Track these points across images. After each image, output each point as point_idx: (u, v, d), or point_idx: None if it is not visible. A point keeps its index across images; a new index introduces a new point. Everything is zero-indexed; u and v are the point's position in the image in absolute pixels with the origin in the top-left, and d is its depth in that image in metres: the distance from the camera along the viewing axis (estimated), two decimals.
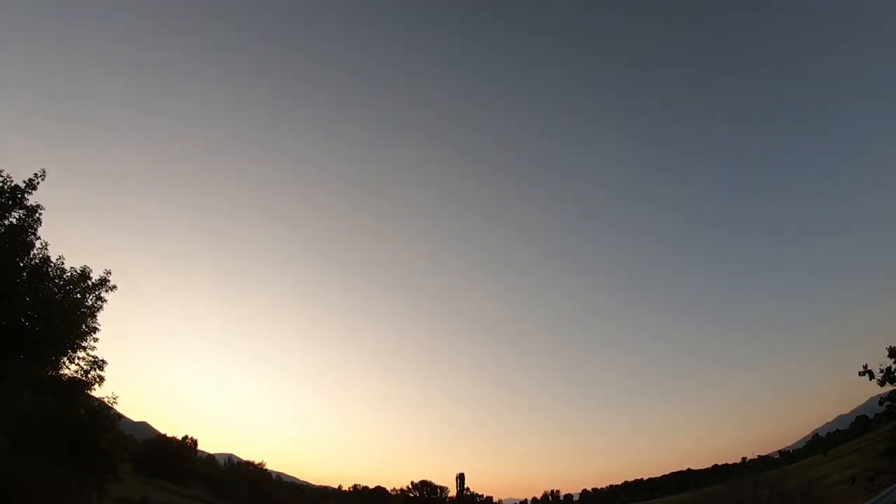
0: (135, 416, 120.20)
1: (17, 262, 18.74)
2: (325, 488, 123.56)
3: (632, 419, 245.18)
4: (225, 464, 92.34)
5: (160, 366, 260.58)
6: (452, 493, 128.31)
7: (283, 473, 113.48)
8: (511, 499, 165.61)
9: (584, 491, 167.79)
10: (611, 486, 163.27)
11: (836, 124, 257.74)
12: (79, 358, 20.27)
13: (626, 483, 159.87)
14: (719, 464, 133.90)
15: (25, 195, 18.77)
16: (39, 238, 19.23)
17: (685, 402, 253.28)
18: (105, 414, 21.11)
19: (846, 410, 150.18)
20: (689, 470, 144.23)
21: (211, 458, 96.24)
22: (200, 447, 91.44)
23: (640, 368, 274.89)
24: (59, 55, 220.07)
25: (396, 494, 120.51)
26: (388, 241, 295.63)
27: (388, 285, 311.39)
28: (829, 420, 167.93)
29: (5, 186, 18.43)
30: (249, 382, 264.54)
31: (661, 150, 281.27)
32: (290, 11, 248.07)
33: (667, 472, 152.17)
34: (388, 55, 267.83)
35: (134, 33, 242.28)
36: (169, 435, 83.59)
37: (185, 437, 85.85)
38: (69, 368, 20.24)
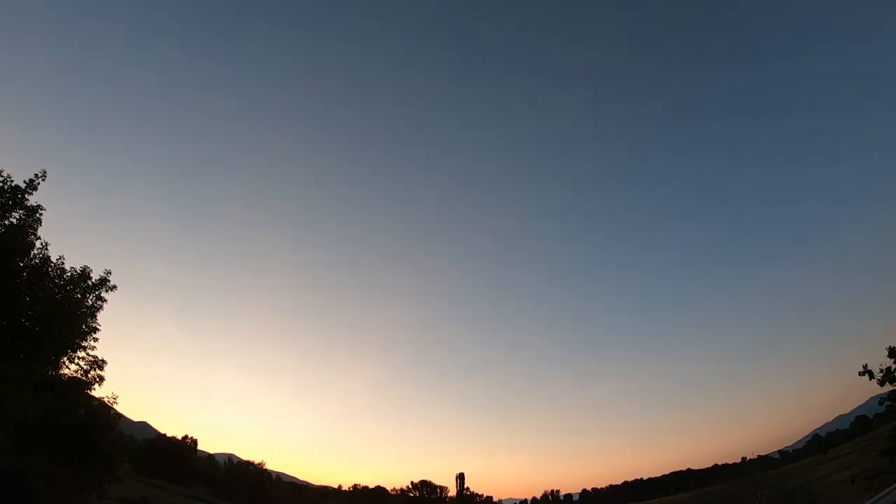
0: (135, 416, 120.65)
1: (18, 262, 18.71)
2: (325, 488, 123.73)
3: (632, 419, 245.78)
4: (225, 464, 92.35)
5: (161, 366, 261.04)
6: (452, 493, 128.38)
7: (283, 473, 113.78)
8: (511, 499, 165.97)
9: (584, 491, 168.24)
10: (611, 486, 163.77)
11: (838, 124, 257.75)
12: (79, 358, 20.25)
13: (626, 483, 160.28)
14: (719, 464, 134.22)
15: (26, 195, 18.73)
16: (39, 238, 19.20)
17: (685, 402, 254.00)
18: (105, 414, 21.07)
19: (846, 410, 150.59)
20: (689, 470, 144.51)
21: (211, 458, 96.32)
22: (200, 447, 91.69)
23: (639, 369, 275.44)
24: (60, 55, 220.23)
25: (396, 494, 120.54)
26: (388, 241, 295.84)
27: (389, 285, 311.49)
28: (829, 420, 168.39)
29: (5, 186, 18.40)
30: (250, 382, 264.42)
31: (658, 152, 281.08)
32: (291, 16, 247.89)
33: (667, 472, 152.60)
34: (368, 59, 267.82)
35: (135, 32, 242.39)
36: (169, 435, 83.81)
37: (185, 437, 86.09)
38: (69, 368, 20.22)
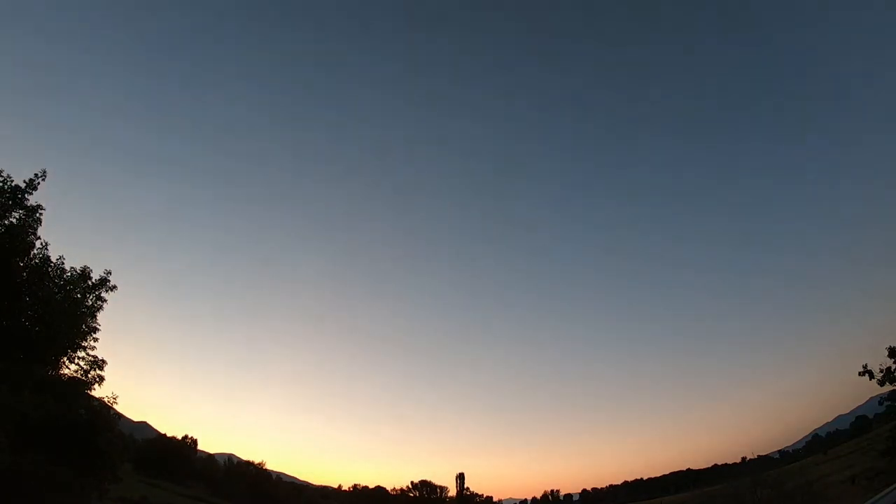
0: (135, 416, 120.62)
1: (18, 262, 18.72)
2: (325, 488, 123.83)
3: (632, 419, 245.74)
4: (225, 464, 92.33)
5: (160, 366, 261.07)
6: (452, 493, 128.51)
7: (283, 473, 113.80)
8: (511, 499, 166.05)
9: (584, 491, 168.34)
10: (611, 486, 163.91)
11: (840, 125, 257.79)
12: (79, 358, 20.30)
13: (626, 483, 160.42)
14: (719, 464, 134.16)
15: (26, 195, 18.74)
16: (39, 238, 19.21)
17: (685, 401, 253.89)
18: (105, 414, 21.07)
19: (846, 410, 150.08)
20: (689, 470, 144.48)
21: (211, 458, 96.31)
22: (200, 447, 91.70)
23: (639, 368, 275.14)
24: (60, 54, 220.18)
25: (396, 494, 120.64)
26: (389, 241, 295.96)
27: (389, 285, 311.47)
28: (829, 420, 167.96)
29: (5, 186, 18.40)
30: (249, 382, 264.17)
31: (654, 152, 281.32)
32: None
33: (667, 472, 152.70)
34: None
35: (135, 32, 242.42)
36: (169, 435, 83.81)
37: (185, 437, 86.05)
38: (69, 368, 20.27)
